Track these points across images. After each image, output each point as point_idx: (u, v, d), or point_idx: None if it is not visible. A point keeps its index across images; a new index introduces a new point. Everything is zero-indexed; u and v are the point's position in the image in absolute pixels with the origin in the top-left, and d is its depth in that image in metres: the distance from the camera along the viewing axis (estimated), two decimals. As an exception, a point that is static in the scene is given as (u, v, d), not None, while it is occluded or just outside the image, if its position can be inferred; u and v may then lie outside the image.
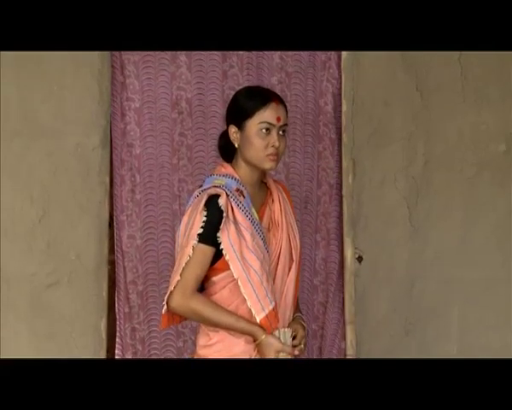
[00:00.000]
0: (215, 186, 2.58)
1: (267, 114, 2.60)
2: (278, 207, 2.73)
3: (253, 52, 3.41)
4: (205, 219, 2.55)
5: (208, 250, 2.55)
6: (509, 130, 3.66)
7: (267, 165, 2.62)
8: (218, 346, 2.61)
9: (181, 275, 2.54)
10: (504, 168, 3.60)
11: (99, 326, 3.23)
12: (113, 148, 3.28)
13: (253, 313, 2.54)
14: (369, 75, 3.59)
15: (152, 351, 3.28)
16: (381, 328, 3.54)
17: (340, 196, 3.51)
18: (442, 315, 3.55)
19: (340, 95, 3.52)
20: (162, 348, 3.28)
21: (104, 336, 3.24)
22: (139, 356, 3.30)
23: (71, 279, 3.23)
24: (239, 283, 2.55)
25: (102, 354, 3.24)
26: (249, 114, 2.61)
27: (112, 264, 3.33)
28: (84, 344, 3.22)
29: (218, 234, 2.55)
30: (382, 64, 3.58)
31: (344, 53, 3.52)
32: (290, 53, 3.47)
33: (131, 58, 3.30)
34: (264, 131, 2.60)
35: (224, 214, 2.55)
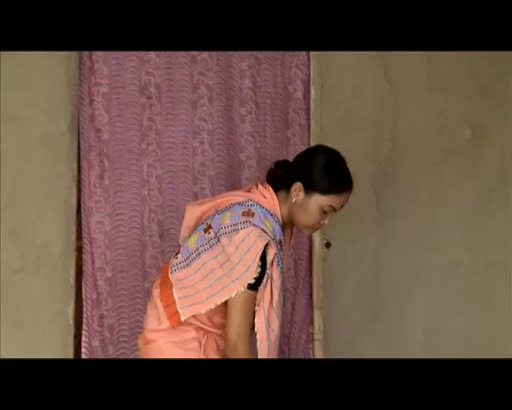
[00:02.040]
0: (265, 232, 2.55)
1: (338, 201, 2.61)
2: (286, 247, 2.76)
3: None
4: (260, 270, 2.52)
5: (254, 296, 2.55)
6: (474, 116, 3.67)
7: (307, 232, 2.69)
8: (168, 331, 2.61)
9: (238, 325, 2.51)
10: (470, 154, 3.62)
11: (66, 313, 3.18)
12: (81, 133, 3.22)
13: None
14: (338, 62, 3.57)
15: (121, 338, 3.23)
16: (348, 313, 3.52)
17: None
18: (408, 300, 3.53)
19: (309, 81, 3.48)
20: (131, 335, 3.22)
21: (72, 322, 3.19)
22: (107, 343, 3.24)
23: (38, 266, 3.17)
24: (257, 336, 2.56)
25: (70, 341, 3.18)
26: (323, 192, 2.60)
27: (79, 250, 3.25)
28: (52, 331, 3.16)
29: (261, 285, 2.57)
30: (351, 52, 3.50)
31: None
32: None
33: None
34: (325, 211, 2.61)
35: (268, 272, 2.54)
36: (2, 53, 3.08)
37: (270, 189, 2.66)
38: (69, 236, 3.21)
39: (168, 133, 3.31)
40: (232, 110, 3.39)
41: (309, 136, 3.48)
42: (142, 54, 3.28)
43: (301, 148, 3.44)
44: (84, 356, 3.21)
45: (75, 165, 3.24)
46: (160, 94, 3.30)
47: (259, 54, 3.44)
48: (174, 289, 2.62)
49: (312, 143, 3.48)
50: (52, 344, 3.19)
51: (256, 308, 2.57)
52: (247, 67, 3.41)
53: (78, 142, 3.24)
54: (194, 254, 2.63)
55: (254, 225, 2.54)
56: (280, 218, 2.64)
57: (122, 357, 3.25)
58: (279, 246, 2.63)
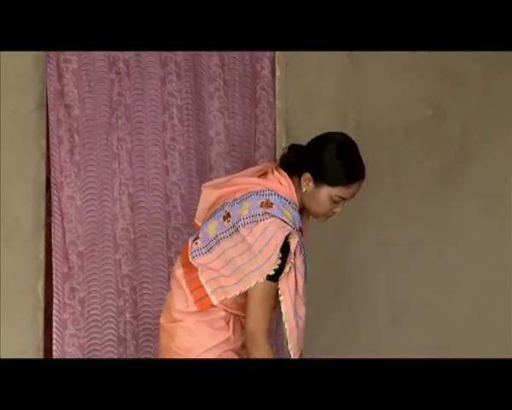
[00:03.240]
0: (285, 222, 2.55)
1: (347, 192, 2.62)
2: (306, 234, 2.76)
3: None
4: (280, 262, 2.53)
5: (274, 286, 2.56)
6: (434, 96, 3.67)
7: (320, 219, 2.69)
8: (196, 313, 2.62)
9: (257, 315, 2.53)
10: (431, 133, 3.61)
11: (36, 288, 3.21)
12: (50, 109, 3.22)
13: (291, 354, 2.59)
14: None
15: (92, 311, 3.22)
16: (313, 286, 3.45)
17: (275, 159, 3.46)
18: (373, 274, 3.53)
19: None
20: (102, 307, 3.23)
21: (42, 297, 3.21)
22: (78, 316, 3.22)
23: (8, 242, 3.20)
24: (286, 325, 2.57)
25: (40, 316, 3.20)
26: (331, 184, 2.60)
27: (48, 227, 3.25)
28: (23, 306, 3.19)
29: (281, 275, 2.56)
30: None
31: None
32: None
33: None
34: (335, 200, 2.62)
35: (292, 261, 2.55)
36: None
37: (286, 175, 2.65)
38: (39, 212, 3.22)
39: (137, 108, 3.31)
40: (201, 87, 3.40)
41: (275, 114, 3.48)
42: None
43: (270, 124, 3.47)
44: (54, 329, 3.18)
45: (44, 143, 3.26)
46: (128, 70, 3.31)
47: None
48: (199, 273, 2.63)
49: (278, 122, 3.50)
50: (23, 319, 3.21)
51: (281, 298, 2.57)
52: None
53: (47, 118, 3.22)
54: (213, 241, 2.63)
55: (273, 215, 2.55)
56: (297, 204, 2.64)
57: (93, 329, 3.21)
58: (300, 233, 2.62)
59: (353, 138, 3.48)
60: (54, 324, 3.18)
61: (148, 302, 3.28)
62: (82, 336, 3.23)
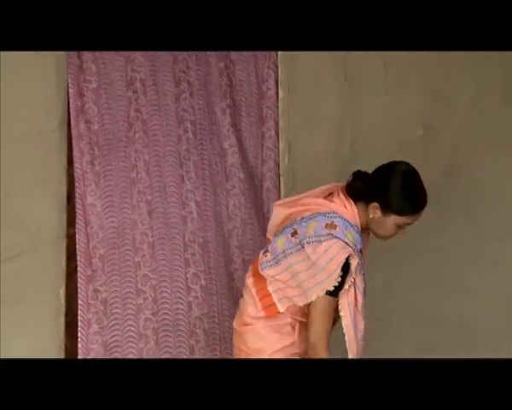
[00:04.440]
0: (347, 243, 2.65)
1: (412, 219, 2.74)
2: (365, 253, 2.87)
3: None
4: (340, 279, 2.64)
5: (334, 301, 2.69)
6: (425, 116, 3.78)
7: (383, 240, 2.81)
8: (265, 318, 2.76)
9: (318, 328, 2.65)
10: (421, 150, 3.71)
11: (58, 293, 3.29)
12: (73, 125, 3.31)
13: None
14: (303, 66, 3.66)
15: (113, 310, 3.29)
16: None
17: (278, 175, 3.63)
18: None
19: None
20: (123, 305, 3.31)
21: (63, 301, 3.30)
22: (101, 315, 3.30)
23: (33, 251, 3.28)
24: (346, 337, 2.69)
25: (62, 319, 3.29)
26: (398, 213, 2.71)
27: (69, 237, 3.34)
28: (46, 310, 3.27)
29: (341, 292, 2.67)
30: (315, 56, 3.62)
31: None
32: None
33: None
34: (401, 226, 2.74)
35: (352, 279, 2.66)
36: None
37: (351, 200, 2.76)
38: (61, 223, 3.31)
39: (153, 122, 3.43)
40: (213, 104, 3.53)
41: (278, 133, 3.61)
42: (127, 54, 3.40)
43: (276, 140, 3.63)
44: (79, 328, 3.26)
45: (65, 159, 3.35)
46: (145, 88, 3.43)
47: (233, 56, 3.57)
48: (268, 284, 2.76)
49: (281, 139, 3.63)
50: (46, 322, 3.28)
51: (341, 313, 2.69)
52: (223, 66, 3.55)
53: (70, 134, 3.32)
54: (281, 255, 2.75)
55: (337, 237, 2.65)
56: (359, 227, 2.74)
57: (114, 327, 3.29)
58: (360, 254, 2.72)
59: (350, 155, 3.67)
60: (79, 323, 3.26)
61: (167, 300, 3.36)
62: (105, 333, 3.30)
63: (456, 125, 3.84)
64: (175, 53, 3.46)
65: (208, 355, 3.36)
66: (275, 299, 2.74)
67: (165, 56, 3.45)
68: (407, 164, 2.81)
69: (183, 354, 3.34)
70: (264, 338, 2.76)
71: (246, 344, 2.80)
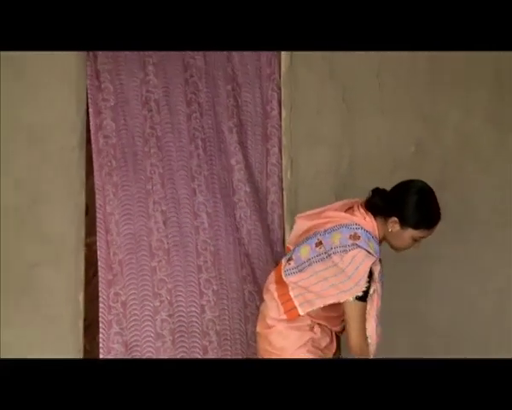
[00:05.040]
0: (370, 252, 2.79)
1: (427, 233, 2.88)
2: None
3: (210, 64, 3.64)
4: (367, 285, 2.78)
5: (365, 306, 2.83)
6: (417, 135, 3.89)
7: (398, 252, 2.95)
8: (286, 320, 2.89)
9: (356, 332, 2.79)
10: (414, 166, 3.80)
11: (77, 299, 3.38)
12: (92, 141, 3.42)
13: None
14: (304, 88, 3.76)
15: (132, 311, 3.38)
16: None
17: (281, 189, 3.73)
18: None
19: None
20: (141, 307, 3.39)
21: (82, 307, 3.39)
22: (121, 317, 3.37)
23: (54, 259, 3.36)
24: (369, 340, 2.84)
25: (80, 324, 3.37)
26: (416, 227, 2.85)
27: (87, 246, 3.44)
28: (65, 315, 3.36)
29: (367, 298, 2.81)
30: (315, 79, 3.78)
31: (283, 68, 3.74)
32: (239, 67, 3.71)
33: (106, 67, 3.49)
34: (416, 239, 2.88)
35: (375, 286, 2.81)
36: (22, 87, 3.34)
37: (370, 214, 2.89)
38: (80, 233, 3.41)
39: (167, 139, 3.52)
40: (221, 123, 3.62)
41: (281, 150, 3.71)
42: (142, 76, 3.52)
43: (280, 157, 3.74)
44: (101, 329, 3.34)
45: (83, 174, 3.44)
46: (159, 108, 3.53)
47: (240, 79, 3.68)
48: (290, 289, 2.90)
49: (284, 156, 3.72)
50: (66, 326, 3.36)
51: (367, 317, 2.83)
52: (231, 89, 3.65)
53: (88, 150, 3.43)
54: (306, 264, 2.89)
55: (360, 246, 2.78)
56: (378, 238, 2.88)
57: (133, 328, 3.37)
58: (379, 263, 2.85)
59: (347, 171, 3.75)
60: (100, 324, 3.34)
61: (182, 303, 3.45)
62: (125, 334, 3.38)
63: (445, 143, 3.94)
64: (186, 76, 3.58)
65: (220, 355, 3.43)
66: (296, 303, 2.86)
67: (177, 78, 3.57)
68: (423, 182, 2.94)
69: (197, 353, 3.41)
70: (286, 337, 2.89)
71: (270, 344, 2.93)
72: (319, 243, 2.89)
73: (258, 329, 3.01)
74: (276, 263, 3.63)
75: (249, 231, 3.65)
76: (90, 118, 3.45)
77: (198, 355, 3.43)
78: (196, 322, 3.46)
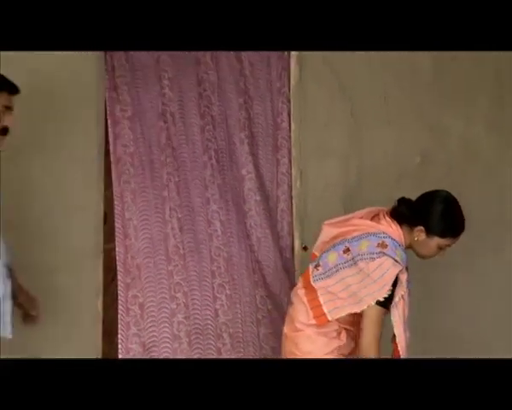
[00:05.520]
0: (397, 261, 2.80)
1: (452, 241, 2.88)
2: None
3: (222, 79, 3.73)
4: (390, 290, 2.79)
5: (384, 312, 2.83)
6: (422, 146, 3.92)
7: (424, 259, 2.95)
8: (315, 325, 2.90)
9: (370, 335, 2.79)
10: (420, 176, 3.83)
11: (96, 303, 3.47)
12: (111, 149, 3.51)
13: None
14: (313, 101, 3.84)
15: (150, 313, 3.46)
16: None
17: (291, 198, 3.80)
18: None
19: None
20: (158, 310, 3.48)
21: (100, 311, 3.47)
22: (138, 318, 3.47)
23: (74, 265, 3.44)
24: (400, 346, 2.85)
25: (99, 326, 3.46)
26: (442, 235, 2.86)
27: (105, 252, 3.52)
28: (84, 318, 3.44)
29: (392, 304, 2.81)
30: (323, 93, 3.85)
31: (292, 82, 3.82)
32: (251, 81, 3.80)
33: (123, 80, 3.59)
34: (442, 248, 2.88)
35: (402, 293, 2.80)
36: (44, 105, 3.42)
37: (396, 223, 2.90)
38: (98, 240, 3.51)
39: (182, 150, 3.63)
40: (233, 135, 3.72)
41: (291, 160, 3.79)
42: (158, 89, 3.61)
43: (289, 167, 3.82)
44: (119, 330, 3.41)
45: (102, 184, 3.54)
46: (174, 120, 3.63)
47: (252, 92, 3.77)
48: (319, 295, 2.91)
49: (294, 166, 3.80)
50: (85, 329, 3.45)
51: (394, 324, 2.82)
52: (243, 102, 3.74)
53: (106, 161, 3.51)
54: (333, 269, 2.90)
55: (387, 255, 2.80)
56: (404, 246, 2.89)
57: (151, 329, 3.45)
58: (406, 270, 2.86)
59: (355, 180, 3.79)
60: (119, 325, 3.42)
61: (197, 306, 3.54)
62: (142, 335, 3.47)
63: (449, 153, 3.97)
64: (199, 90, 3.68)
65: (234, 356, 3.50)
66: (325, 310, 2.88)
67: (191, 92, 3.67)
68: (447, 192, 2.96)
69: (212, 354, 3.50)
70: (314, 342, 2.92)
71: (297, 347, 2.95)
72: (347, 250, 2.91)
73: (286, 331, 3.03)
74: (286, 269, 3.77)
75: (259, 239, 3.73)
76: (109, 128, 3.54)
77: (212, 356, 3.50)
78: (211, 325, 3.55)
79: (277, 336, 3.57)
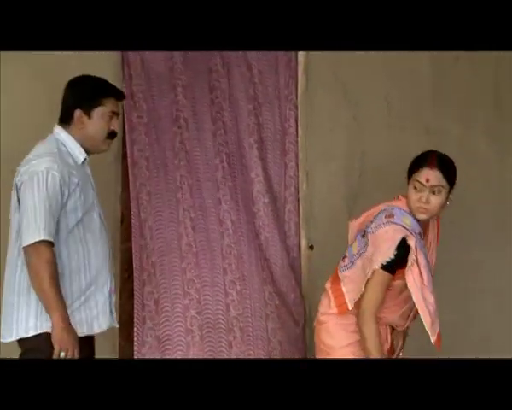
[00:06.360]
0: (404, 227, 2.83)
1: (420, 175, 2.88)
2: (431, 237, 3.05)
3: (233, 86, 3.81)
4: (396, 253, 2.81)
5: (389, 277, 2.84)
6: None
7: (419, 216, 2.91)
8: (336, 315, 2.96)
9: (369, 298, 2.81)
10: None
11: None
12: (128, 153, 3.56)
13: (430, 335, 2.83)
14: (319, 107, 3.94)
15: (164, 309, 3.52)
16: None
17: (298, 199, 3.90)
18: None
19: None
20: (172, 305, 3.54)
21: (117, 306, 3.33)
22: (153, 314, 3.51)
23: None
24: (419, 310, 2.83)
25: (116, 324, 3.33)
26: (409, 174, 2.93)
27: (122, 252, 3.60)
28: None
29: (405, 269, 2.80)
30: (328, 100, 3.94)
31: (300, 89, 3.91)
32: (260, 88, 3.89)
33: (140, 88, 3.65)
34: (416, 187, 2.89)
35: (413, 257, 2.80)
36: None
37: (405, 198, 2.95)
38: (115, 241, 3.50)
39: (195, 153, 3.72)
40: (243, 140, 3.80)
41: (298, 164, 3.88)
42: (172, 96, 3.67)
43: (296, 170, 3.89)
44: (135, 324, 3.46)
45: (119, 187, 3.62)
46: (187, 125, 3.70)
47: (261, 99, 3.86)
48: (342, 284, 2.98)
49: (301, 169, 3.89)
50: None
51: (410, 290, 2.81)
52: (252, 108, 3.83)
53: (123, 165, 3.56)
54: (356, 256, 2.98)
55: (394, 222, 2.86)
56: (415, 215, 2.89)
57: (165, 323, 3.52)
58: (419, 236, 2.87)
59: (358, 182, 3.84)
60: (134, 320, 3.48)
61: (209, 302, 3.61)
62: (157, 329, 3.53)
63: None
64: (212, 97, 3.77)
65: (243, 350, 3.58)
66: (346, 298, 2.93)
67: (203, 99, 3.75)
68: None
69: (223, 347, 3.57)
70: (333, 336, 2.99)
71: (321, 340, 3.05)
72: (364, 234, 2.98)
73: (315, 323, 3.12)
74: (292, 267, 3.86)
75: (267, 238, 3.82)
76: (126, 133, 3.60)
77: (224, 349, 3.59)
78: (222, 319, 3.63)
79: (284, 330, 3.74)
